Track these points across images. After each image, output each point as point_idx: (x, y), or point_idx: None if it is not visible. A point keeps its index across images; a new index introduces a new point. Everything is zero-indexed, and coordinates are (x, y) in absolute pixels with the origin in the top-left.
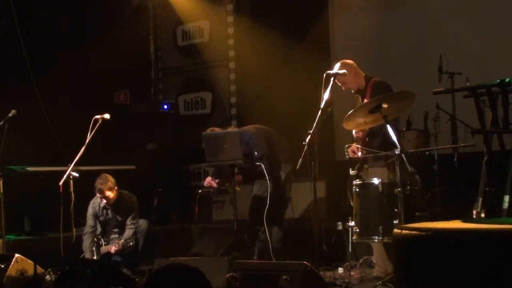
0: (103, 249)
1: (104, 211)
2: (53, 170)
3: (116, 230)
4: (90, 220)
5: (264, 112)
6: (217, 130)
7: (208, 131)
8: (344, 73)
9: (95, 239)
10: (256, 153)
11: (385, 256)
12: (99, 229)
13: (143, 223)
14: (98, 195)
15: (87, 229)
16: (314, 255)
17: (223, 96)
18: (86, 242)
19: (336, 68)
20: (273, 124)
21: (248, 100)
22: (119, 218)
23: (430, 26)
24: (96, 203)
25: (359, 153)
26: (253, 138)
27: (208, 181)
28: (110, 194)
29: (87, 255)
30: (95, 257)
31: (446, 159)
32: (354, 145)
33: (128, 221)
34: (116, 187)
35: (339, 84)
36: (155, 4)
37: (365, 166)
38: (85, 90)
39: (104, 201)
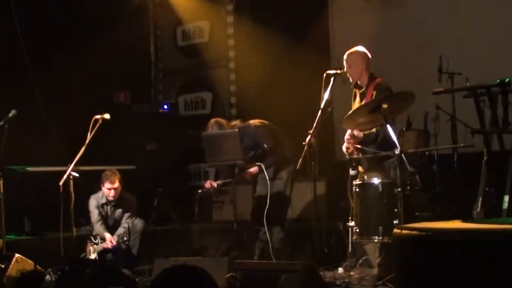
0: (99, 247)
1: (104, 207)
2: (53, 170)
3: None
4: (95, 214)
5: (264, 112)
6: (221, 121)
7: (212, 121)
8: (343, 72)
9: (92, 238)
10: (265, 145)
11: (375, 257)
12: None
13: (138, 222)
14: (107, 186)
15: (96, 220)
16: (314, 255)
17: (223, 96)
18: (99, 227)
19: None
20: (273, 124)
21: (248, 100)
22: (116, 216)
23: (430, 26)
24: (98, 198)
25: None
26: (259, 132)
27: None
28: (119, 185)
29: (104, 234)
30: (94, 256)
31: (446, 159)
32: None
33: (124, 219)
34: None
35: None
36: (155, 4)
37: (360, 169)
38: (85, 90)
39: (112, 193)
